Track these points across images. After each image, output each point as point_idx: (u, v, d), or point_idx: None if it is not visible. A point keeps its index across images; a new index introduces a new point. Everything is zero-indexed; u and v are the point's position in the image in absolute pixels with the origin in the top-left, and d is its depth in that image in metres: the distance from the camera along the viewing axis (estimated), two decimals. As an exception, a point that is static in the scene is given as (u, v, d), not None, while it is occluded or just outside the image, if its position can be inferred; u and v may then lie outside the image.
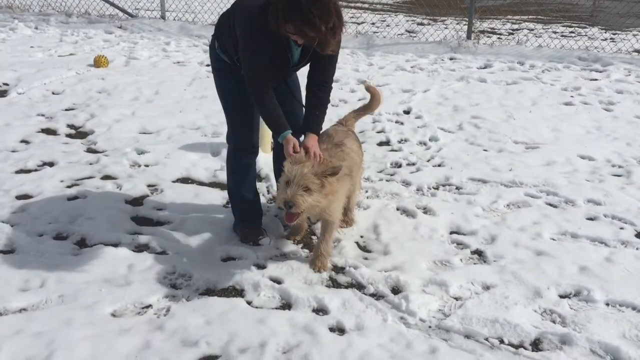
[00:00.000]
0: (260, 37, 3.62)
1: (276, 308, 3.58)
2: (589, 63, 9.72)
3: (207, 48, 10.24)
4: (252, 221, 4.35)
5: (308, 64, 3.95)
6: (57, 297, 3.61)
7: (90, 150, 5.99)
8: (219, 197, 5.02)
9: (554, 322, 3.45)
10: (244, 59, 3.76)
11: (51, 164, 5.60)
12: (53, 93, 7.84)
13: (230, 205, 4.53)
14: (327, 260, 3.97)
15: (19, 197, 4.90)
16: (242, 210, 4.37)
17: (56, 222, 4.49)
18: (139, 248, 4.21)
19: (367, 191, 5.15)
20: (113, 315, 3.49)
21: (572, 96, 8.01)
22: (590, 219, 4.67)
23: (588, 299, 3.64)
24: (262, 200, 4.66)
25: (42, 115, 6.98)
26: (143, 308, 3.57)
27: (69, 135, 6.42)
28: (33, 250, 4.09)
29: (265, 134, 5.62)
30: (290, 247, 4.25)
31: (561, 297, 3.69)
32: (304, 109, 4.07)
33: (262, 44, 3.65)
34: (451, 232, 4.49)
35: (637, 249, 4.21)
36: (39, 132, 6.44)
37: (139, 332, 3.32)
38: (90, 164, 5.63)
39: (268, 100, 3.79)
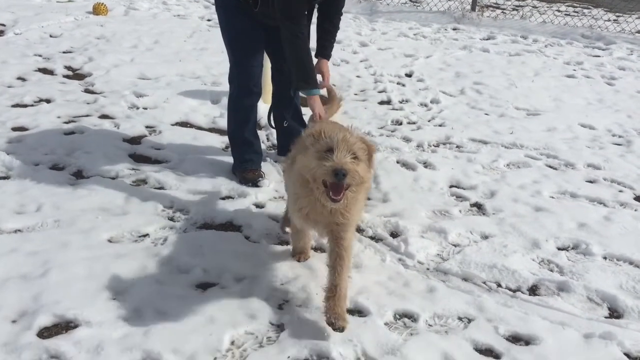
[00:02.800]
0: None
1: (274, 244, 3.55)
2: (592, 41, 9.66)
3: (208, 4, 10.10)
4: (252, 163, 4.30)
5: None
6: (53, 222, 3.56)
7: (87, 91, 5.89)
8: (218, 141, 4.96)
9: (551, 270, 3.46)
10: None
11: (48, 101, 5.50)
12: (51, 36, 7.69)
13: (230, 149, 4.48)
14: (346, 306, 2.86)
15: (14, 129, 4.82)
16: (243, 152, 4.32)
17: (52, 153, 4.42)
18: (137, 182, 4.16)
19: (367, 144, 5.10)
20: (109, 241, 3.45)
21: (574, 69, 7.97)
22: (590, 181, 4.67)
23: (586, 252, 3.64)
24: (262, 146, 4.60)
25: (39, 55, 6.84)
26: (140, 236, 3.53)
27: (66, 77, 6.31)
28: (29, 178, 4.02)
29: (267, 83, 5.53)
30: (289, 190, 4.21)
31: (559, 249, 3.69)
32: None
33: None
34: (451, 186, 4.47)
35: (635, 210, 4.22)
36: (35, 71, 6.33)
37: (136, 257, 3.28)
38: (88, 103, 5.54)
39: (302, 43, 3.70)
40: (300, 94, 3.87)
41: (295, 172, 2.88)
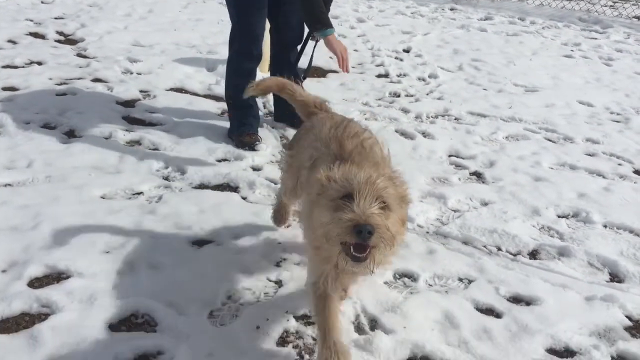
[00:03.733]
0: None
1: (272, 205, 3.48)
2: (589, 24, 9.61)
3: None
4: (249, 127, 4.22)
5: None
6: (44, 177, 3.47)
7: (80, 56, 5.77)
8: (214, 107, 4.87)
9: (552, 236, 3.41)
10: None
11: (39, 63, 5.38)
12: (42, 2, 7.54)
13: (226, 114, 4.39)
14: None
15: (5, 89, 4.70)
16: (241, 116, 4.23)
17: (44, 112, 4.31)
18: (131, 143, 4.07)
19: (365, 114, 5.03)
20: (102, 197, 3.37)
21: (572, 50, 7.92)
22: (589, 154, 4.63)
23: (586, 220, 3.60)
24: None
25: (31, 20, 6.70)
26: (134, 194, 3.45)
27: (58, 41, 6.18)
28: (20, 135, 3.92)
29: (265, 52, 5.43)
30: (286, 154, 4.14)
31: (559, 217, 3.65)
32: None
33: None
34: (450, 155, 4.41)
35: (635, 182, 4.18)
36: (27, 35, 6.19)
37: (130, 214, 3.20)
38: (80, 67, 5.42)
39: None
40: (317, 36, 3.89)
41: (305, 227, 2.24)
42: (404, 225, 2.12)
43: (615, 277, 3.08)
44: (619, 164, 4.48)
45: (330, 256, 2.04)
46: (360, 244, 1.88)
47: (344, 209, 1.88)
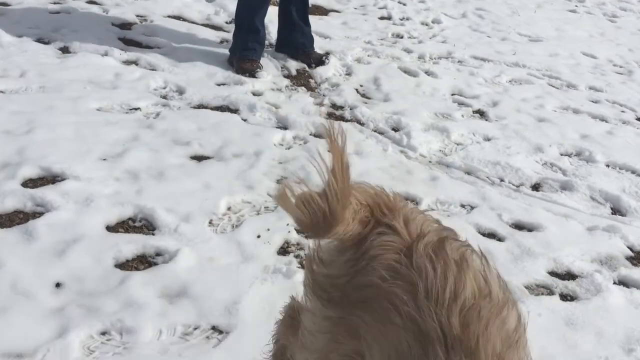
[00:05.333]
0: None
1: (273, 128, 3.40)
2: (594, -16, 9.46)
3: None
4: (253, 53, 4.08)
5: None
6: (38, 87, 3.36)
7: (74, -21, 5.55)
8: (213, 35, 4.71)
9: (555, 172, 3.38)
10: None
11: (32, -17, 5.16)
12: None
13: (225, 43, 4.25)
14: None
15: (-4, 4, 4.51)
16: (246, 39, 4.06)
17: (37, 28, 4.15)
18: (127, 62, 3.94)
19: (367, 51, 4.92)
20: (98, 109, 3.26)
21: (576, 5, 7.79)
22: (592, 101, 4.58)
23: (589, 159, 3.57)
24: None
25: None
26: (131, 109, 3.35)
27: (51, -36, 5.93)
28: (13, 47, 3.78)
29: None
30: (286, 83, 4.04)
31: (562, 155, 3.61)
32: None
33: None
34: (453, 94, 4.34)
35: (638, 128, 4.15)
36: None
37: (127, 127, 3.11)
38: (75, -11, 5.21)
39: None
40: None
41: None
42: None
43: (618, 212, 3.06)
44: (622, 111, 4.44)
45: None
46: None
47: None
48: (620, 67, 5.58)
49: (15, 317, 1.88)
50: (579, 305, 2.32)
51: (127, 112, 3.30)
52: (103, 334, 1.89)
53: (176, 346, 1.89)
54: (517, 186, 3.16)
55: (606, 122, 4.19)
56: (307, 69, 4.32)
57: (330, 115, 3.68)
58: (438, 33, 5.79)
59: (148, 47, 4.29)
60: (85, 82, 3.50)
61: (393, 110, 3.85)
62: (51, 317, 1.90)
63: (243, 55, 4.03)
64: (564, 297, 2.37)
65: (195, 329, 1.96)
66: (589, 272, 2.51)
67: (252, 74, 3.99)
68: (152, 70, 3.87)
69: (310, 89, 4.06)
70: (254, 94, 3.79)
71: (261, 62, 4.20)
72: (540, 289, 2.40)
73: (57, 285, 2.03)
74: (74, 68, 3.62)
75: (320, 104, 3.80)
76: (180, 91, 3.64)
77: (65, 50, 3.95)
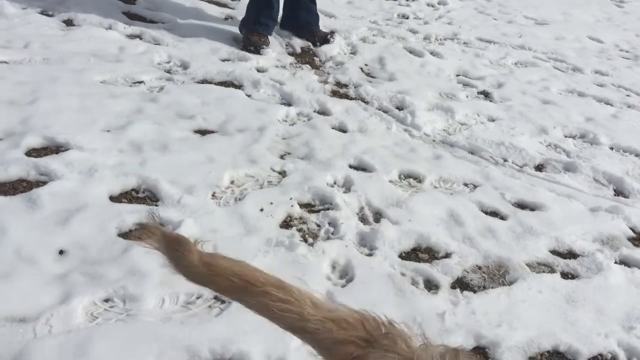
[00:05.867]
0: None
1: (277, 104, 3.39)
2: (602, -31, 9.37)
3: None
4: (264, 28, 4.04)
5: None
6: (42, 59, 3.34)
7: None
8: (218, 11, 4.67)
9: (559, 153, 3.37)
10: None
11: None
12: None
13: (231, 20, 4.22)
14: None
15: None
16: (259, 13, 4.01)
17: (42, 0, 4.11)
18: (131, 36, 3.91)
19: (373, 31, 4.88)
20: (102, 82, 3.25)
21: (584, -10, 7.73)
22: (598, 85, 4.55)
23: (593, 141, 3.56)
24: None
25: None
26: (135, 83, 3.34)
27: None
28: (17, 18, 3.75)
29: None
30: (291, 61, 4.02)
31: (566, 136, 3.60)
32: None
33: None
34: (458, 75, 4.31)
35: (643, 112, 4.13)
36: None
37: (131, 99, 3.10)
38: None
39: None
40: None
41: None
42: None
43: (621, 194, 3.06)
44: (627, 95, 4.42)
45: None
46: None
47: None
48: (627, 52, 5.55)
49: (18, 282, 1.89)
50: (580, 283, 2.33)
51: (131, 85, 3.28)
52: (106, 301, 1.90)
53: (179, 314, 1.90)
54: (521, 166, 3.15)
55: (611, 105, 4.17)
56: (311, 47, 4.29)
57: (334, 93, 3.67)
58: (444, 14, 5.76)
59: (152, 21, 4.27)
60: (89, 54, 3.48)
61: (398, 89, 3.83)
62: (54, 283, 1.91)
63: (254, 29, 3.99)
64: (565, 275, 2.38)
65: (197, 298, 1.97)
66: (590, 251, 2.51)
67: (258, 50, 3.96)
68: (157, 44, 3.85)
69: (314, 66, 4.04)
70: (258, 70, 3.77)
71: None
72: (541, 267, 2.41)
73: (61, 252, 2.04)
74: (77, 41, 3.60)
75: (325, 82, 3.78)
76: (185, 66, 3.62)
77: (69, 22, 3.92)
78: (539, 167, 3.19)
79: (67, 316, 1.81)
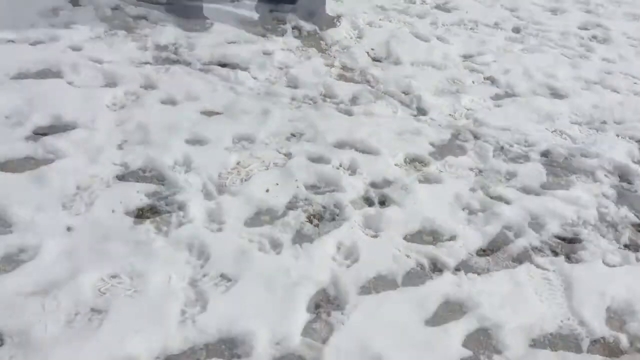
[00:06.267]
0: None
1: (285, 87, 3.39)
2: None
3: None
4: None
5: None
6: (49, 38, 3.33)
7: None
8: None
9: (564, 139, 3.37)
10: None
11: None
12: None
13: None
14: None
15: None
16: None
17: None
18: (138, 17, 3.90)
19: (379, 15, 4.86)
20: (109, 62, 3.25)
21: (593, -22, 7.67)
22: (605, 72, 4.53)
23: (599, 129, 3.55)
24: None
25: None
26: (141, 63, 3.33)
27: None
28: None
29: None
30: (297, 44, 4.01)
31: (572, 123, 3.59)
32: None
33: None
34: (464, 60, 4.29)
35: (649, 100, 4.12)
36: None
37: (134, 80, 3.09)
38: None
39: None
40: None
41: None
42: None
43: (625, 180, 3.06)
44: (635, 83, 4.40)
45: None
46: None
47: None
48: (635, 40, 5.51)
49: (26, 257, 1.91)
50: (583, 267, 2.34)
51: (137, 66, 3.28)
52: (113, 277, 1.92)
53: (185, 291, 1.92)
54: (526, 152, 3.15)
55: (618, 93, 4.16)
56: (318, 30, 4.27)
57: (340, 77, 3.66)
58: (450, 0, 5.72)
59: (158, 2, 4.25)
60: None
61: (404, 74, 3.82)
62: (62, 259, 1.92)
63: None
64: (569, 259, 2.39)
65: (204, 276, 1.98)
66: (595, 236, 2.52)
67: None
68: (163, 26, 3.84)
69: (320, 50, 4.03)
70: (264, 53, 3.76)
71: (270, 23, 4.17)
72: (545, 251, 2.42)
73: (68, 229, 2.05)
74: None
75: (331, 65, 3.78)
76: (190, 48, 3.62)
77: (75, 3, 3.92)
78: (545, 153, 3.19)
79: (76, 291, 1.83)
